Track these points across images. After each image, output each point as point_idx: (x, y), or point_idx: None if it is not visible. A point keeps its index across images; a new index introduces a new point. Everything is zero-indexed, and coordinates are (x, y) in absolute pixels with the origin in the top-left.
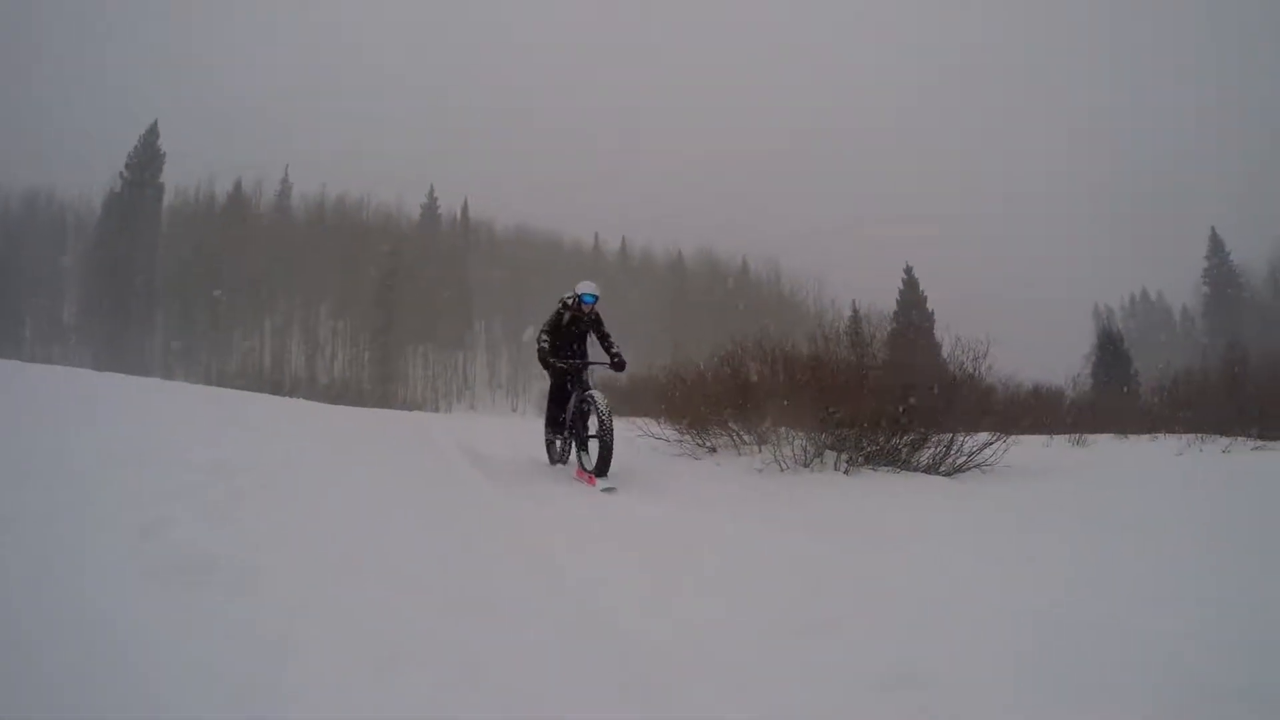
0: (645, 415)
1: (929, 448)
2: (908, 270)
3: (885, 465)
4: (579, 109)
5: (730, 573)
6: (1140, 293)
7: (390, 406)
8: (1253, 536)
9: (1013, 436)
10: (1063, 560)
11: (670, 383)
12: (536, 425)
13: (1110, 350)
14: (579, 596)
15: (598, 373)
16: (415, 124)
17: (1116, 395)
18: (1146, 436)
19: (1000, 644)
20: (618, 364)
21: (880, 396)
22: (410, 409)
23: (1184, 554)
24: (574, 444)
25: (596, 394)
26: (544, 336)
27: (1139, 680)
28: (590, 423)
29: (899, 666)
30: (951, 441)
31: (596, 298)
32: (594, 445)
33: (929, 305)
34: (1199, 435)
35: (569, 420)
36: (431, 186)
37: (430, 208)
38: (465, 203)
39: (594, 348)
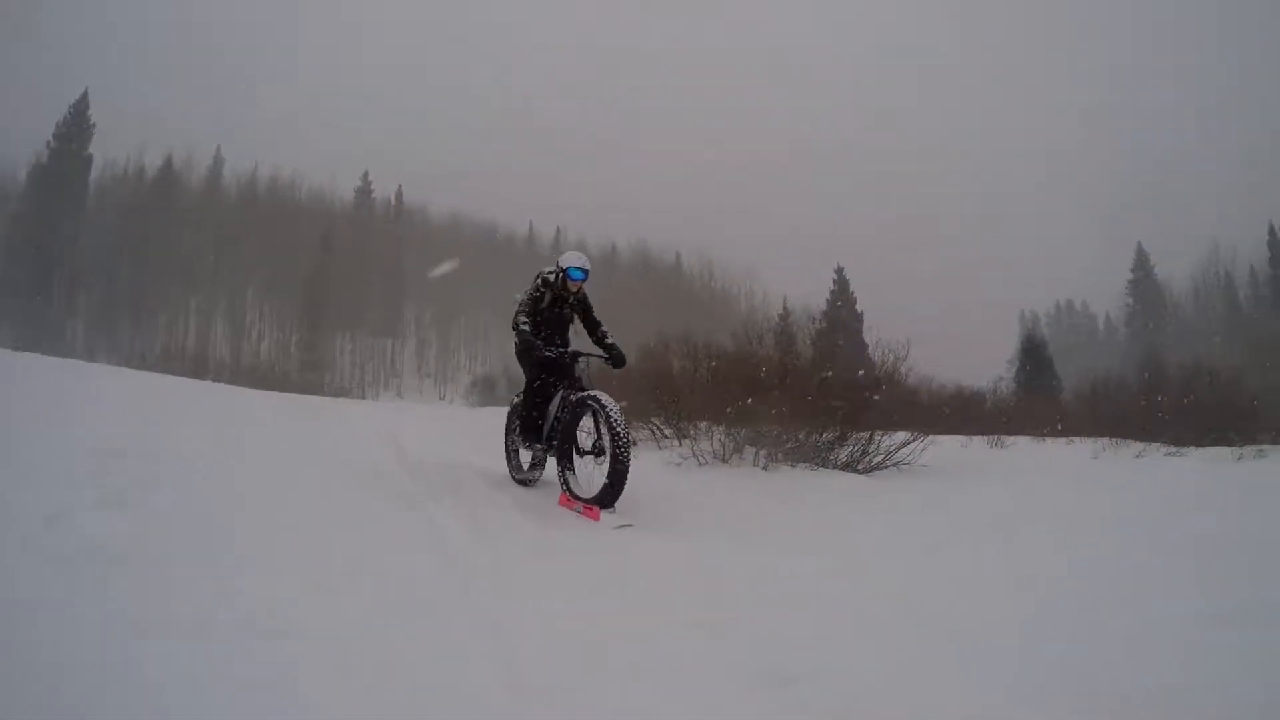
0: None
1: (847, 445)
2: (839, 270)
3: (804, 462)
4: (523, 99)
5: (636, 576)
6: (1066, 301)
7: (316, 393)
8: (1146, 537)
9: (930, 437)
10: (961, 562)
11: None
12: (479, 420)
13: (1033, 355)
14: (485, 597)
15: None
16: (352, 108)
17: (1037, 399)
18: (1064, 440)
19: (895, 646)
20: (617, 358)
21: (802, 394)
22: (336, 396)
23: (1085, 557)
24: (557, 462)
25: (603, 396)
26: (523, 319)
27: (1011, 679)
28: (581, 433)
29: (784, 666)
30: (870, 440)
31: (586, 273)
32: (589, 464)
33: (858, 306)
34: (1114, 439)
35: (550, 429)
36: (366, 170)
37: (364, 191)
38: (400, 189)
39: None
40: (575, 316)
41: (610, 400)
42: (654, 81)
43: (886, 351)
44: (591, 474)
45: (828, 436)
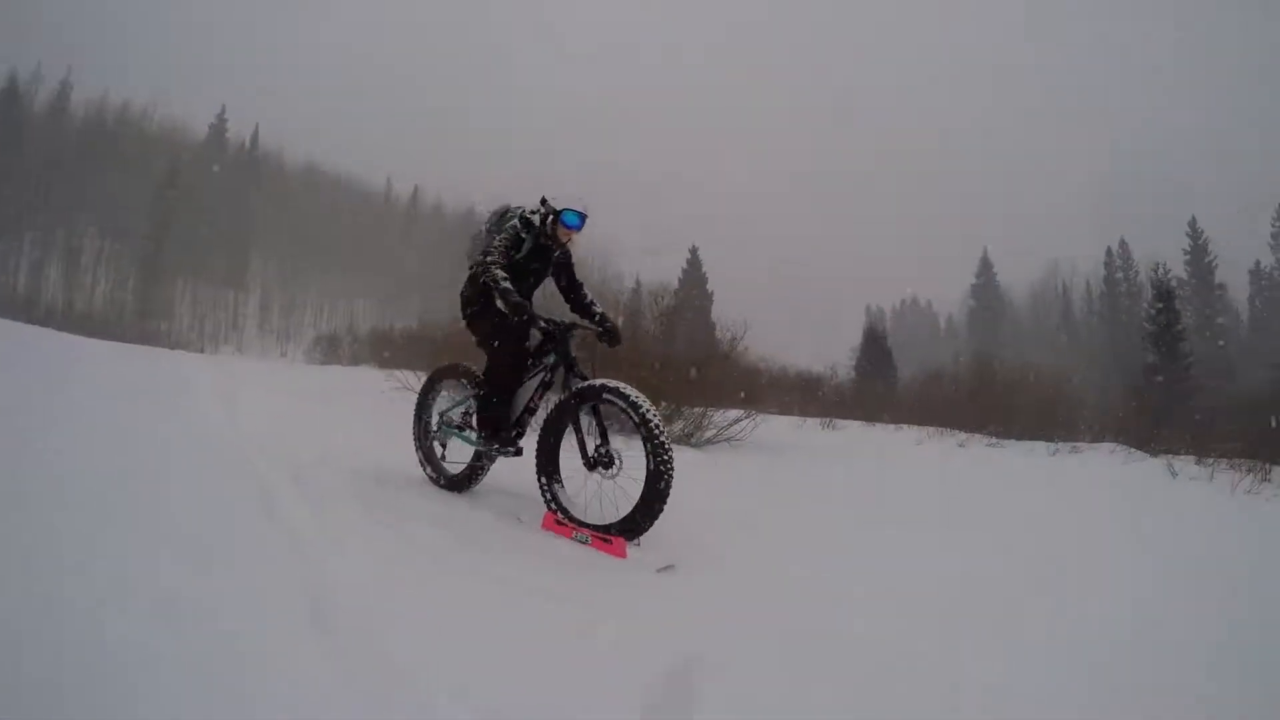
0: (406, 368)
1: (680, 420)
2: (693, 250)
3: (635, 435)
4: (392, 53)
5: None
6: (911, 298)
7: (154, 343)
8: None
9: (762, 416)
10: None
11: (439, 338)
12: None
13: (874, 346)
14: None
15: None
16: (212, 41)
17: (873, 386)
18: (893, 426)
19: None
20: (613, 332)
21: (640, 367)
22: (174, 348)
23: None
24: (540, 470)
25: (624, 387)
26: (498, 270)
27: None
28: (585, 436)
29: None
30: (703, 415)
31: (584, 221)
32: (593, 479)
33: (709, 286)
34: (940, 429)
35: (518, 422)
36: (223, 106)
37: (219, 129)
38: (256, 129)
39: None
40: (549, 276)
41: (639, 394)
42: (525, 48)
43: (725, 330)
44: (599, 492)
45: (662, 409)
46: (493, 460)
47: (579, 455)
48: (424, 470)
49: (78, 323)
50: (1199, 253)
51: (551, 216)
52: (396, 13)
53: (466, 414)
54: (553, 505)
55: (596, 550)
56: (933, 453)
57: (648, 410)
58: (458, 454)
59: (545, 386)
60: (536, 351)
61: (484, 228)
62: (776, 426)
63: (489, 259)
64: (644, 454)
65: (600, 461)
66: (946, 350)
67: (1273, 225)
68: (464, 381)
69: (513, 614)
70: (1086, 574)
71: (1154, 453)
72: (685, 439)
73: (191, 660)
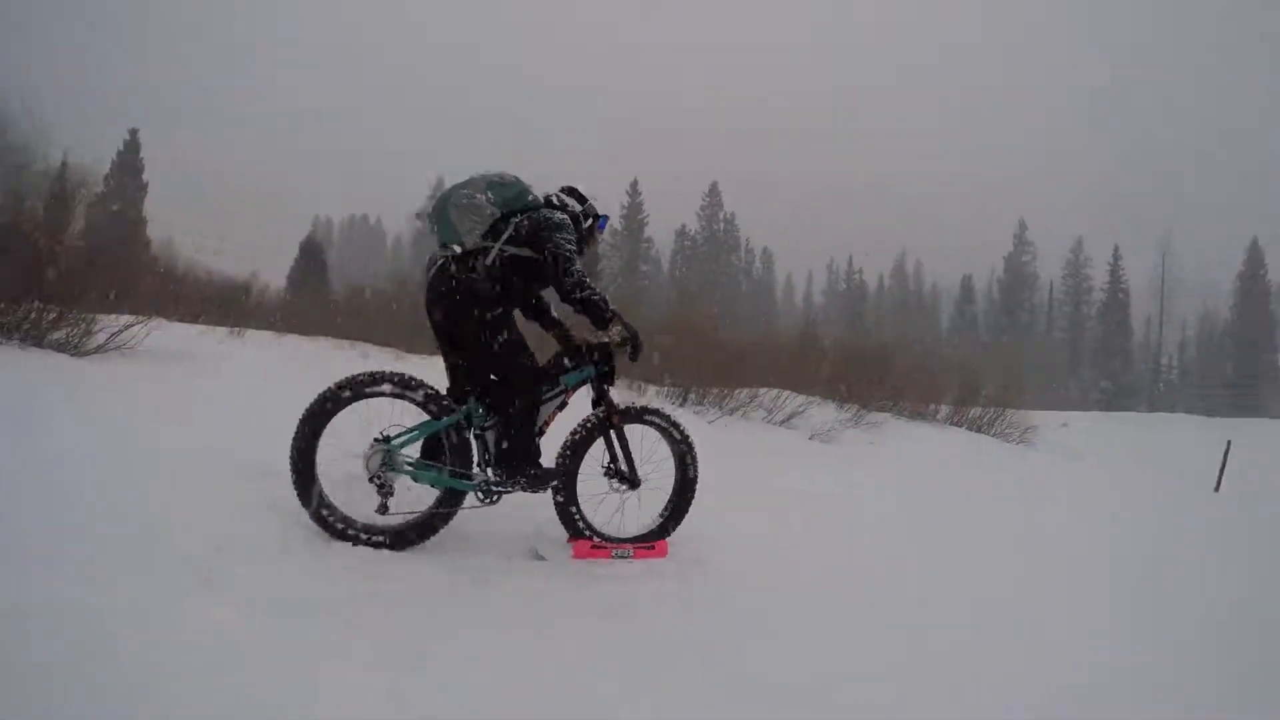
0: None
1: (67, 326)
2: (133, 132)
3: (15, 340)
4: None
5: None
6: (361, 215)
7: None
8: None
9: (157, 319)
10: None
11: None
12: None
13: (311, 257)
14: None
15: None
16: None
17: (308, 298)
18: (310, 339)
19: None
20: (629, 342)
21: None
22: None
23: None
24: (565, 495)
25: (665, 409)
26: (581, 269)
27: None
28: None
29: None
30: (91, 321)
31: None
32: (612, 498)
33: (144, 177)
34: (357, 341)
35: (535, 444)
36: None
37: None
38: None
39: None
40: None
41: (672, 413)
42: None
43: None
44: (624, 506)
45: (51, 315)
46: (494, 500)
47: (619, 473)
48: (326, 526)
49: None
50: (634, 209)
51: (592, 222)
52: None
53: (370, 449)
54: (583, 531)
55: (642, 559)
56: (339, 360)
57: (685, 428)
58: (401, 489)
59: (562, 407)
60: (552, 367)
61: (483, 197)
62: (180, 334)
63: (574, 267)
64: (676, 465)
65: (621, 479)
66: (393, 269)
67: (703, 200)
68: (410, 398)
69: None
70: None
71: None
72: (70, 345)
73: None
